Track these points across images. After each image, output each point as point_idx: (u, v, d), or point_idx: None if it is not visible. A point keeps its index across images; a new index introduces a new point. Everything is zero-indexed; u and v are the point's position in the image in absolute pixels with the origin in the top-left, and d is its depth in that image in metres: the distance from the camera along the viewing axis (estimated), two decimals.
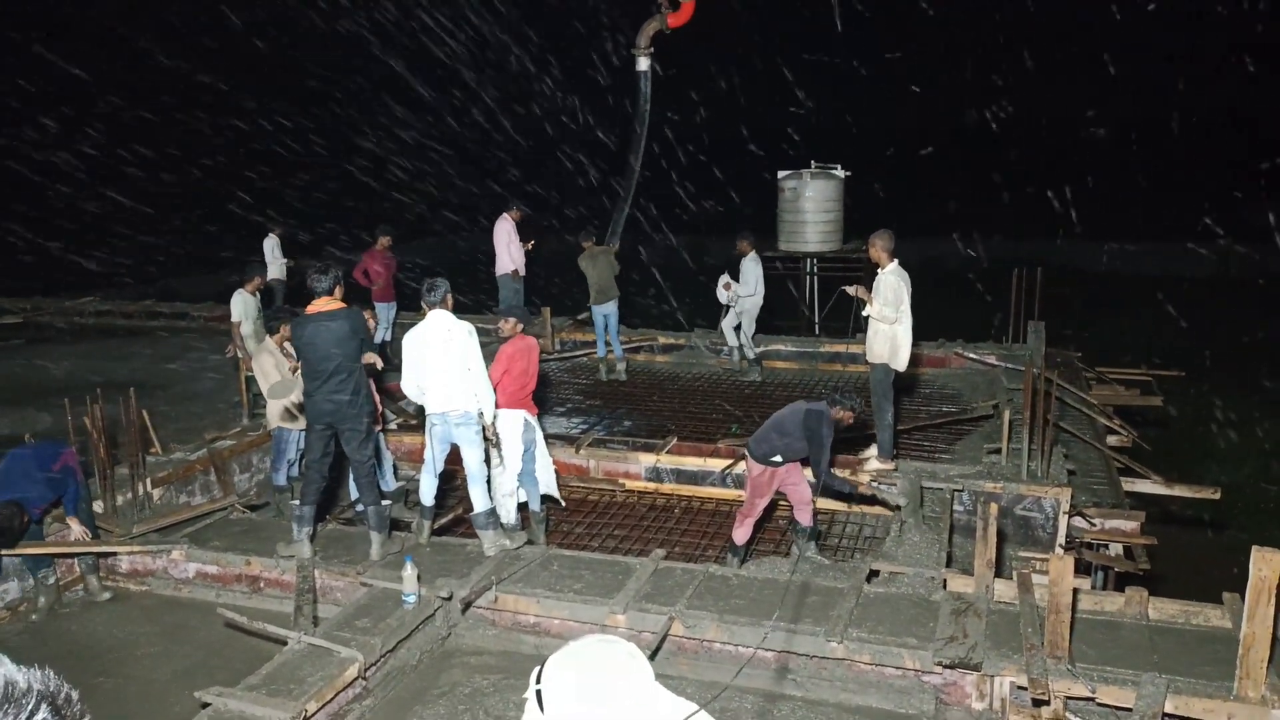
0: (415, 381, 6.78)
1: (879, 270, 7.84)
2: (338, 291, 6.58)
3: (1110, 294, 24.90)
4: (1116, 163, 38.87)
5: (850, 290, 8.05)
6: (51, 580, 6.99)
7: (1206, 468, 13.89)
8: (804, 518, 7.30)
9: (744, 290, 11.98)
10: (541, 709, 3.63)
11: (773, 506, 7.69)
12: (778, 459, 7.00)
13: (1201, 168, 36.68)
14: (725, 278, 12.21)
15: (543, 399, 11.47)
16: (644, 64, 14.79)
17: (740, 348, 12.53)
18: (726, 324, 12.54)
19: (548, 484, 7.79)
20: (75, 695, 1.37)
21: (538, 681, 2.49)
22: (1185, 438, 14.68)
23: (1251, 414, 16.97)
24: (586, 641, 3.74)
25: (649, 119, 15.06)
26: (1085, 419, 10.02)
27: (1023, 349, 11.93)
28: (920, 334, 8.57)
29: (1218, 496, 8.71)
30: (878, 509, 8.41)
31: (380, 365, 6.67)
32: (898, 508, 7.58)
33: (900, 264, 7.83)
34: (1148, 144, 39.79)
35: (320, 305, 6.47)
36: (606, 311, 12.30)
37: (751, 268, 12.00)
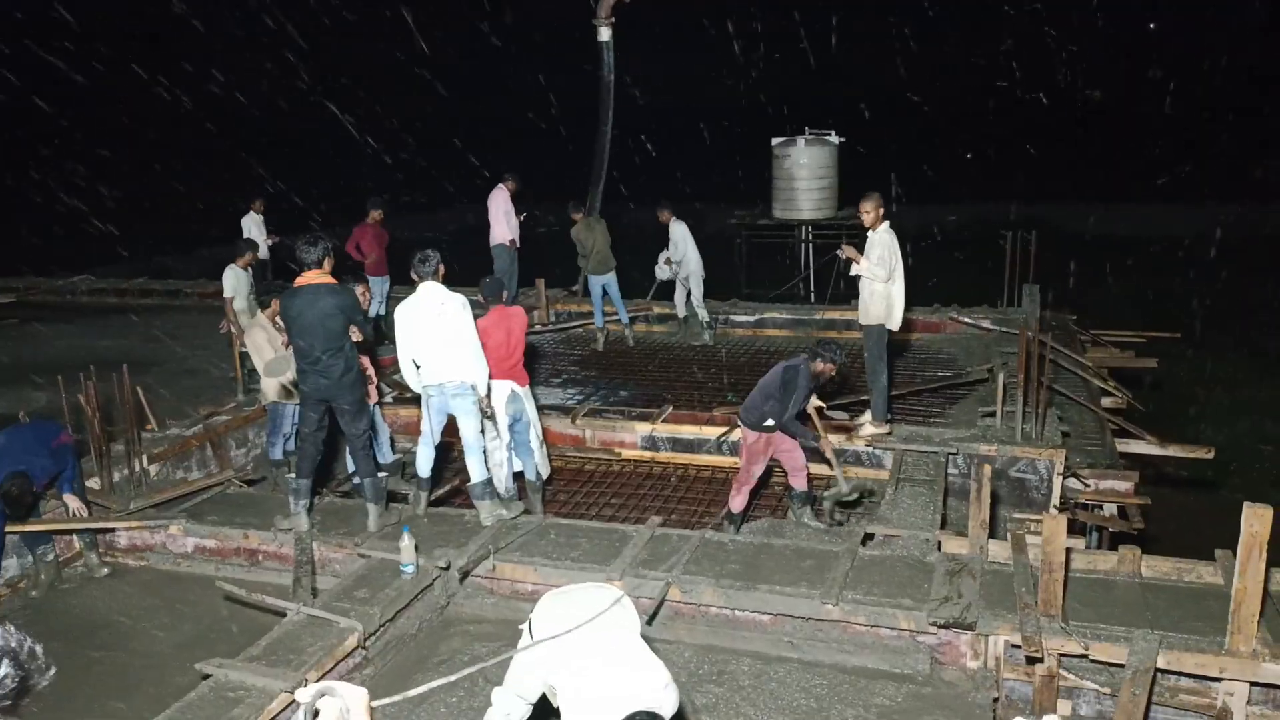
0: (410, 357, 6.77)
1: (869, 232, 7.84)
2: (327, 264, 6.52)
3: (1105, 256, 24.85)
4: (1112, 124, 38.69)
5: (843, 254, 8.06)
6: (50, 557, 7.02)
7: (1201, 428, 13.96)
8: (799, 483, 7.33)
9: (675, 255, 12.17)
10: (531, 636, 3.78)
11: (768, 473, 7.71)
12: (770, 424, 7.02)
13: (1196, 128, 36.53)
14: (662, 255, 12.39)
15: (537, 370, 11.51)
16: (605, 34, 14.73)
17: (696, 317, 12.63)
18: (678, 299, 12.66)
19: (540, 457, 7.80)
20: (38, 649, 1.38)
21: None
22: (1180, 399, 14.72)
23: (1246, 374, 17.04)
24: (583, 585, 3.88)
25: (614, 88, 15.01)
26: (1080, 381, 10.04)
27: (1017, 312, 11.92)
28: (915, 299, 8.57)
29: (1211, 456, 8.76)
30: (875, 472, 8.46)
31: (360, 338, 6.62)
32: (837, 501, 7.56)
33: (891, 226, 7.83)
34: (1142, 105, 39.60)
35: (310, 278, 6.42)
36: (605, 281, 12.27)
37: (676, 230, 12.16)
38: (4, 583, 6.95)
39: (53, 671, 1.52)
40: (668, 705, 3.40)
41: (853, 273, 7.92)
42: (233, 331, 9.83)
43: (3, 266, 18.32)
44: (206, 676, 5.07)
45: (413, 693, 3.69)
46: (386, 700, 3.70)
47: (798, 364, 6.98)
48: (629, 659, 3.53)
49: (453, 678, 3.95)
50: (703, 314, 12.60)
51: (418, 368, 6.85)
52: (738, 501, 7.30)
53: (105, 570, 7.23)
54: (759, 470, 7.27)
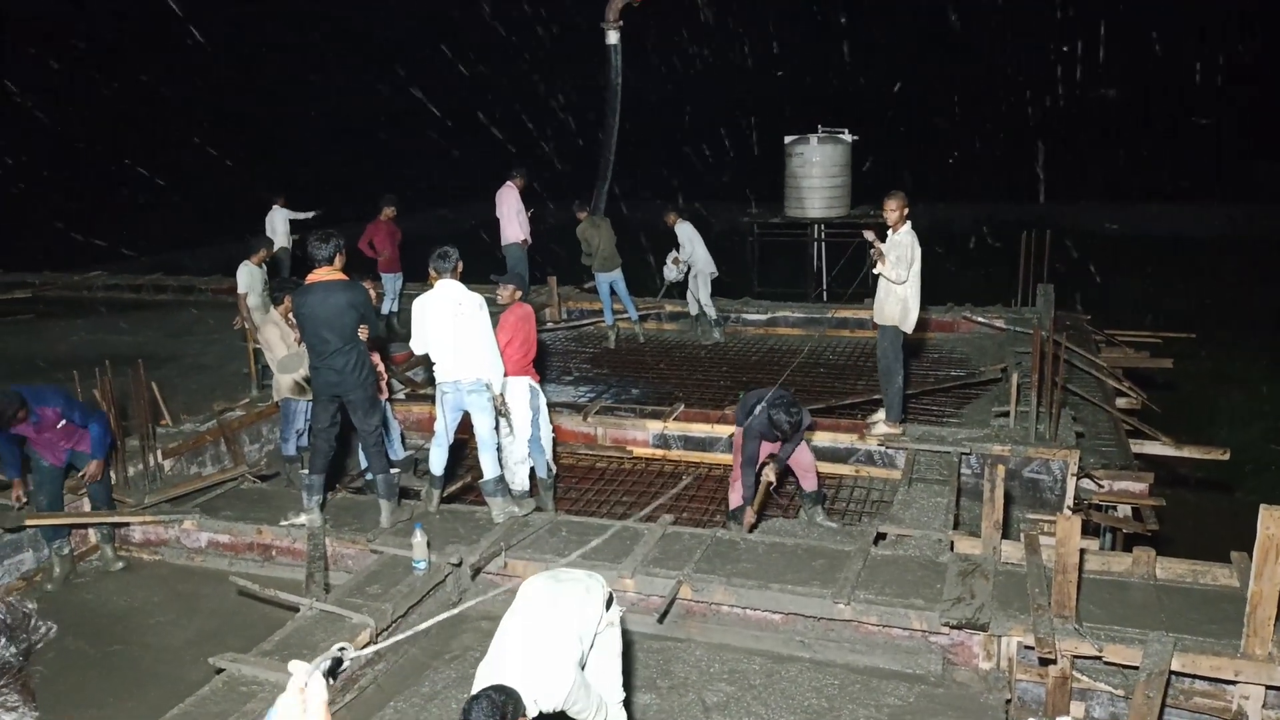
0: (422, 341, 6.82)
1: (890, 231, 7.79)
2: (339, 260, 6.54)
3: (1120, 256, 24.72)
4: (1127, 123, 38.45)
5: (869, 235, 7.95)
6: (66, 551, 7.07)
7: (1216, 429, 13.88)
8: (809, 483, 7.31)
9: (683, 254, 12.26)
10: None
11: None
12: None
13: (1213, 128, 36.23)
14: (670, 255, 12.48)
15: (548, 367, 11.52)
16: (613, 37, 14.76)
17: (705, 316, 12.65)
18: (690, 297, 12.68)
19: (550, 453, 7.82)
20: (30, 608, 1.39)
21: None
22: (1195, 400, 14.63)
23: (1262, 375, 16.92)
24: (574, 572, 4.06)
25: (620, 91, 15.04)
26: (1094, 381, 9.99)
27: (1031, 312, 11.88)
28: (929, 298, 8.53)
29: (1227, 458, 8.70)
30: (884, 471, 8.44)
31: (367, 337, 6.63)
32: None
33: (912, 226, 7.78)
34: (1159, 104, 39.33)
35: (321, 274, 6.44)
36: (612, 279, 12.28)
37: (683, 231, 12.23)
38: (20, 576, 7.00)
39: (53, 630, 1.54)
40: (540, 695, 3.53)
41: (875, 272, 7.86)
42: (246, 327, 9.87)
43: (18, 261, 18.45)
44: (220, 671, 5.10)
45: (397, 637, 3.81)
46: (382, 645, 3.72)
47: (762, 403, 6.81)
48: (524, 640, 3.70)
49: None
50: (711, 312, 12.60)
51: (432, 365, 6.89)
52: (735, 498, 7.28)
53: (120, 564, 7.28)
54: (750, 467, 7.22)
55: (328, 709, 1.81)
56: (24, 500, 6.82)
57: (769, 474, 7.08)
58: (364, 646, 3.43)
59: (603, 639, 4.20)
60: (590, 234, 12.13)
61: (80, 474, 6.92)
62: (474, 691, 3.41)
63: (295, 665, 1.87)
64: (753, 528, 6.93)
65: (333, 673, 2.37)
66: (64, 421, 6.61)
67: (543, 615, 3.86)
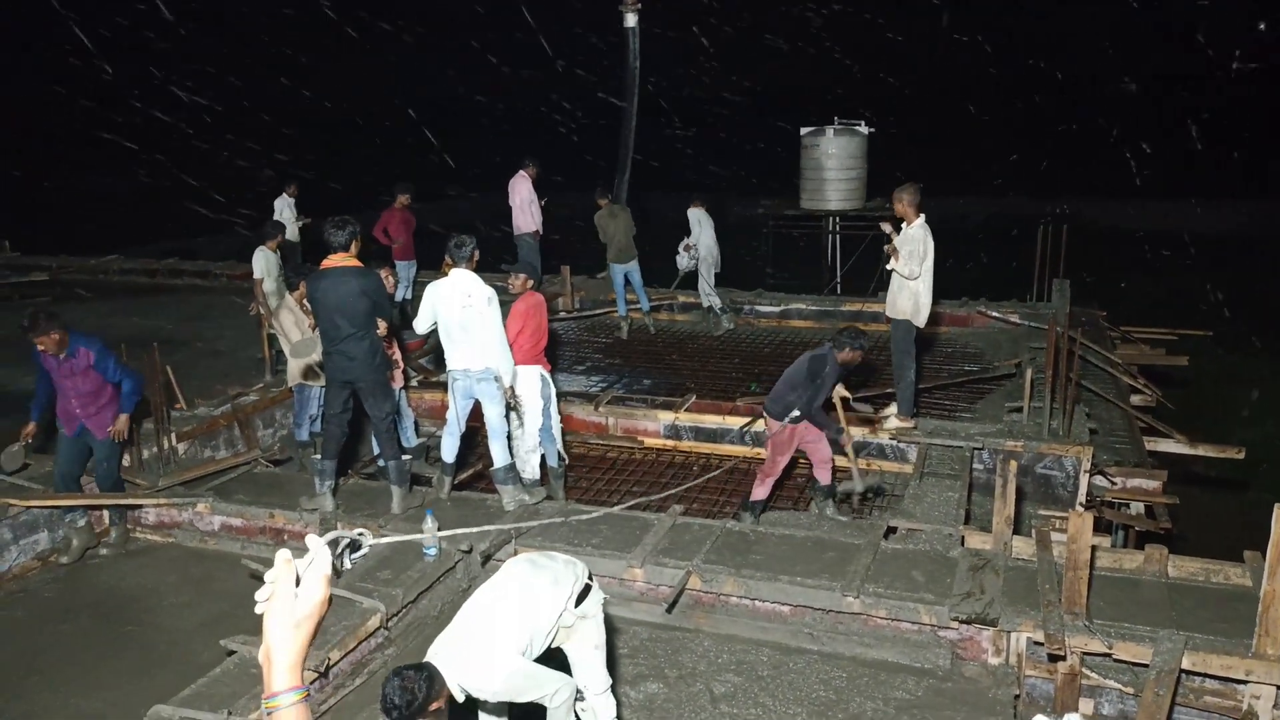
0: (425, 323, 6.88)
1: (903, 225, 7.74)
2: (354, 247, 6.56)
3: (1137, 252, 24.53)
4: (1147, 118, 38.11)
5: (886, 227, 7.91)
6: (83, 522, 7.10)
7: (1231, 427, 13.76)
8: (823, 476, 7.29)
9: (691, 239, 12.33)
10: None
11: (792, 464, 7.68)
12: (795, 414, 6.99)
13: (1233, 123, 35.89)
14: (682, 243, 12.50)
15: (560, 357, 11.53)
16: (632, 20, 14.58)
17: (714, 306, 12.67)
18: (701, 291, 12.66)
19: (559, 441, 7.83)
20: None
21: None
22: (1211, 397, 14.52)
23: (1278, 373, 16.78)
24: (553, 554, 4.13)
25: (639, 75, 14.90)
26: (1109, 378, 9.93)
27: (1047, 307, 11.80)
28: (943, 292, 8.49)
29: (1242, 456, 8.62)
30: (899, 466, 8.42)
31: (384, 330, 6.65)
32: (849, 493, 7.58)
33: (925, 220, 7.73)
34: (1179, 99, 38.95)
35: (336, 260, 6.46)
36: (628, 269, 12.25)
37: (693, 215, 12.36)
38: (35, 556, 7.06)
39: None
40: (467, 681, 3.56)
41: (888, 267, 7.82)
42: (261, 313, 9.91)
43: (35, 245, 18.55)
44: (231, 653, 5.14)
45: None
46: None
47: (824, 353, 6.95)
48: (467, 624, 3.76)
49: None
50: (713, 301, 12.57)
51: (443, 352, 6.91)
52: (760, 491, 7.27)
53: (131, 546, 7.32)
54: (784, 461, 7.23)
55: (328, 582, 1.70)
56: (30, 439, 6.88)
57: (840, 392, 7.33)
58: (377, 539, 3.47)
59: (579, 631, 4.18)
60: (606, 223, 12.08)
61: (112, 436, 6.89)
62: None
63: (311, 539, 1.77)
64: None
65: (346, 555, 2.33)
66: (92, 369, 6.63)
67: (495, 602, 3.84)
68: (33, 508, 6.96)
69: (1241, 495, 12.17)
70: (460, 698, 3.56)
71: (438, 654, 3.59)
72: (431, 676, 3.38)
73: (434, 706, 3.38)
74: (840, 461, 7.64)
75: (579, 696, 4.23)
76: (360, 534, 2.35)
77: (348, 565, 2.39)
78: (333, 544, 2.16)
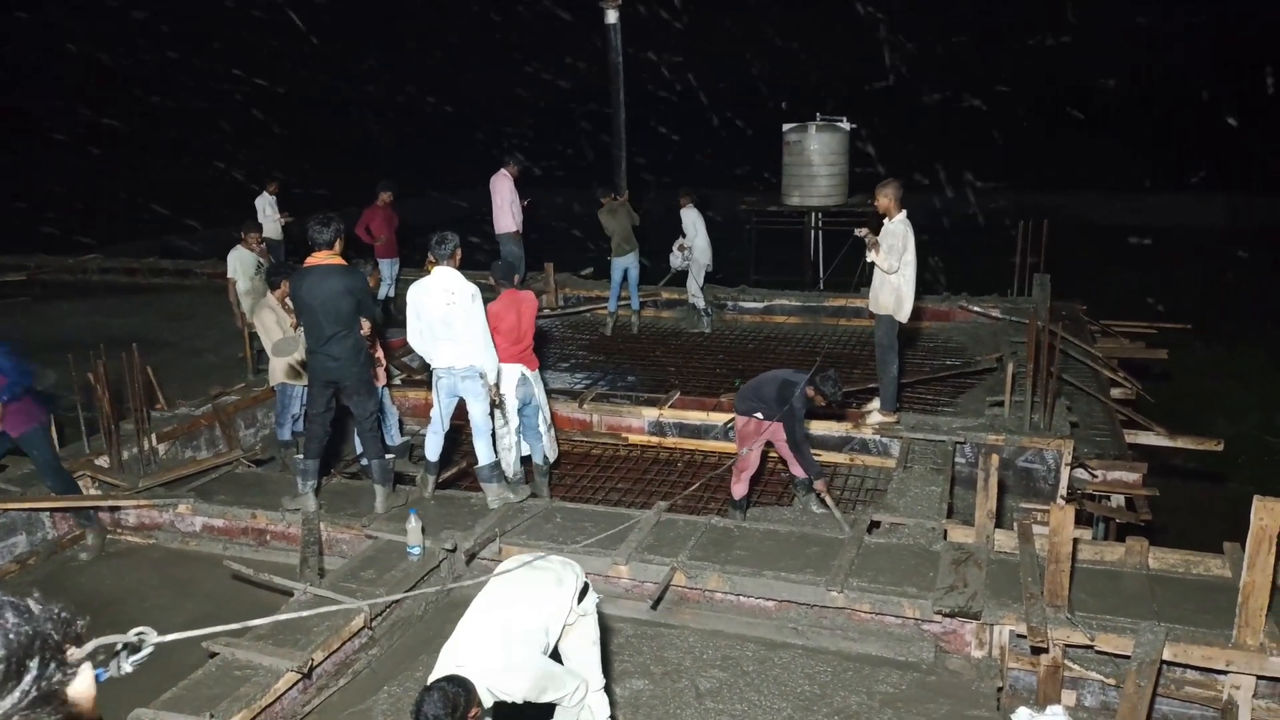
0: (418, 331, 6.78)
1: (885, 220, 7.76)
2: (338, 245, 6.51)
3: (1117, 246, 24.70)
4: (1125, 112, 38.38)
5: (860, 232, 7.93)
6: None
7: (1210, 420, 13.88)
8: (799, 471, 7.29)
9: (686, 240, 12.29)
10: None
11: (771, 460, 7.70)
12: (759, 415, 7.01)
13: (1211, 117, 36.17)
14: (677, 243, 12.46)
15: (546, 354, 11.50)
16: (612, 16, 14.58)
17: (698, 306, 12.67)
18: (689, 289, 12.66)
19: (547, 441, 7.80)
20: (61, 612, 1.31)
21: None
22: (1190, 390, 14.64)
23: (1257, 366, 16.95)
24: (546, 556, 4.13)
25: (622, 70, 14.89)
26: (1089, 371, 10.00)
27: (1027, 302, 11.88)
28: (925, 287, 8.52)
29: (1220, 448, 8.70)
30: (882, 460, 8.44)
31: (368, 330, 6.59)
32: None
33: (907, 215, 7.75)
34: (1157, 93, 39.25)
35: (320, 258, 6.41)
36: (627, 264, 12.25)
37: (687, 217, 12.30)
38: (13, 559, 6.99)
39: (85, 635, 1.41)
40: (495, 686, 3.55)
41: (868, 260, 7.84)
42: (235, 312, 9.85)
43: (13, 245, 18.35)
44: (214, 655, 5.11)
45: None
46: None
47: (797, 381, 6.77)
48: (485, 630, 3.72)
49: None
50: (699, 302, 12.58)
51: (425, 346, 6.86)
52: (738, 489, 7.28)
53: (112, 547, 7.25)
54: (754, 456, 7.21)
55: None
56: None
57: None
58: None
59: (578, 628, 4.19)
60: (606, 220, 12.10)
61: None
62: (432, 678, 3.41)
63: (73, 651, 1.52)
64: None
65: (123, 657, 2.09)
66: None
67: (508, 606, 3.83)
68: (9, 510, 6.89)
69: (1221, 487, 12.29)
70: (488, 703, 3.55)
71: (458, 663, 3.54)
72: (465, 684, 3.36)
73: (472, 713, 3.39)
74: (828, 457, 7.66)
75: None
76: (140, 634, 2.09)
77: (126, 669, 2.18)
78: (108, 648, 1.92)
